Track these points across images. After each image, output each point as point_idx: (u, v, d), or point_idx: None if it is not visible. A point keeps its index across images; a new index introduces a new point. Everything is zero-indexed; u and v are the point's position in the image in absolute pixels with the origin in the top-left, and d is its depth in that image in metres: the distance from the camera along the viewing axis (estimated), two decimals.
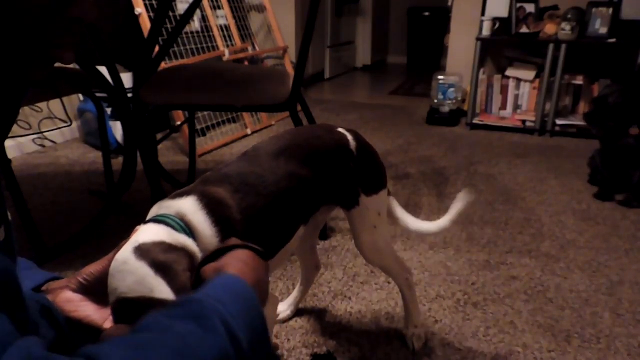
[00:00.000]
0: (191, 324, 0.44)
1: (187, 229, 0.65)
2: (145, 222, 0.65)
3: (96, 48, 1.68)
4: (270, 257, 0.77)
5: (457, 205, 1.12)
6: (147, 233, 0.60)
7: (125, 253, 0.57)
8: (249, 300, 0.50)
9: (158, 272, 0.55)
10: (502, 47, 3.39)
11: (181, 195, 0.70)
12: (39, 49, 0.46)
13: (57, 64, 0.50)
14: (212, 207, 0.68)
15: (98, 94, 1.85)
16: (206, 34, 3.08)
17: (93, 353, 0.39)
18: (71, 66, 1.89)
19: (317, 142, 0.92)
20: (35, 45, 0.46)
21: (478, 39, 3.16)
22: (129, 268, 0.55)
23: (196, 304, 0.47)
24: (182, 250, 0.60)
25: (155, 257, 0.56)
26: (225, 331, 0.44)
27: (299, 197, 0.85)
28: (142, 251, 0.57)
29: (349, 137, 0.98)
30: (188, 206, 0.67)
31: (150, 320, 0.45)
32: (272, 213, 0.78)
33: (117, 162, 2.34)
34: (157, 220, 0.64)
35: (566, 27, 2.93)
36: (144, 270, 0.55)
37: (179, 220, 0.65)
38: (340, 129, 0.99)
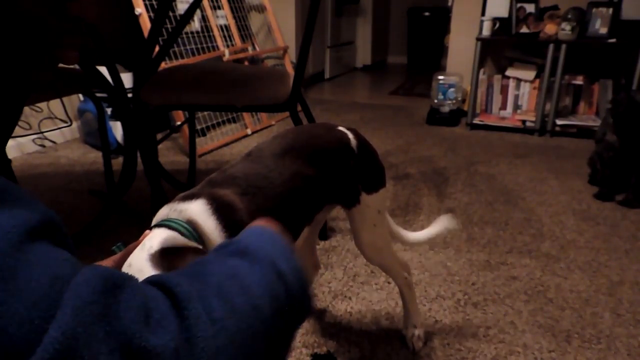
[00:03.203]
0: (238, 260, 0.45)
1: (198, 237, 0.64)
2: (155, 226, 0.64)
3: (96, 48, 1.68)
4: None
5: (437, 227, 1.18)
6: (161, 240, 0.59)
7: (140, 260, 0.55)
8: (281, 244, 0.50)
9: None
10: (502, 47, 3.39)
11: (190, 198, 0.68)
12: (41, 49, 0.46)
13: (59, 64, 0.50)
14: (222, 211, 0.67)
15: (98, 94, 1.85)
16: (206, 34, 3.08)
17: (162, 279, 0.39)
18: (71, 66, 1.89)
19: (320, 141, 0.92)
20: (37, 46, 0.46)
21: (478, 39, 3.16)
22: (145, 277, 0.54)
23: (239, 243, 0.48)
24: None
25: (172, 267, 0.55)
26: (271, 266, 0.45)
27: (305, 196, 0.84)
28: (158, 260, 0.55)
29: (350, 135, 0.98)
30: (199, 212, 0.66)
31: (200, 259, 0.46)
32: (280, 214, 0.78)
33: (117, 162, 2.34)
34: (168, 225, 0.63)
35: (566, 27, 2.93)
36: None
37: (191, 228, 0.63)
38: (340, 127, 0.99)
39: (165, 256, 0.56)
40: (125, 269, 0.56)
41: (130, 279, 0.37)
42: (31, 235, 0.32)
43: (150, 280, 0.40)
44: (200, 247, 0.62)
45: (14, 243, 0.30)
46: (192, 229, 0.63)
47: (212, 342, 0.36)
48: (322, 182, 0.89)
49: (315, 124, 1.08)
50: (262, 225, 0.53)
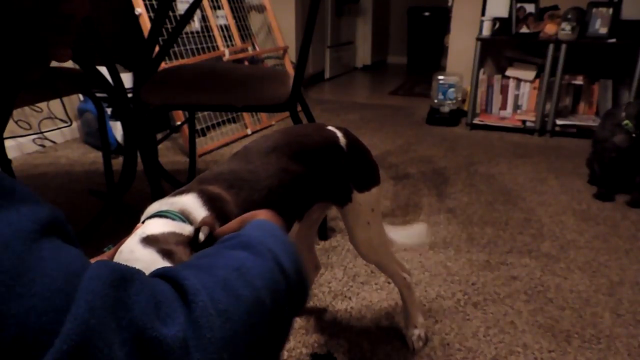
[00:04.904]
0: (242, 252, 0.47)
1: (190, 224, 0.64)
2: (147, 218, 0.64)
3: (96, 48, 1.68)
4: None
5: (415, 235, 1.24)
6: (155, 225, 0.60)
7: (132, 243, 0.56)
8: (283, 239, 0.52)
9: (165, 258, 0.54)
10: (502, 47, 3.39)
11: (180, 193, 0.70)
12: (34, 47, 0.46)
13: (57, 63, 0.50)
14: (212, 203, 0.69)
15: (98, 94, 1.85)
16: (206, 34, 3.08)
17: (170, 272, 0.41)
18: (71, 66, 1.89)
19: (307, 140, 0.93)
20: (30, 44, 0.45)
21: (478, 39, 3.16)
22: (137, 256, 0.54)
23: (243, 237, 0.50)
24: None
25: (164, 245, 0.56)
26: (272, 259, 0.47)
27: (291, 192, 0.86)
28: (150, 240, 0.56)
29: (339, 134, 0.98)
30: (190, 203, 0.68)
31: (207, 250, 0.49)
32: (267, 207, 0.79)
33: (117, 162, 2.34)
34: (161, 215, 0.64)
35: (566, 27, 2.93)
36: (151, 256, 0.54)
37: (183, 217, 0.65)
38: (330, 127, 1.00)
39: (158, 238, 0.57)
40: (116, 257, 0.57)
41: (138, 272, 0.38)
42: (42, 233, 0.33)
43: (157, 273, 0.42)
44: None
45: (27, 240, 0.31)
46: (184, 217, 0.65)
47: (218, 333, 0.38)
48: (309, 180, 0.90)
49: (305, 124, 1.09)
50: (262, 219, 0.55)
